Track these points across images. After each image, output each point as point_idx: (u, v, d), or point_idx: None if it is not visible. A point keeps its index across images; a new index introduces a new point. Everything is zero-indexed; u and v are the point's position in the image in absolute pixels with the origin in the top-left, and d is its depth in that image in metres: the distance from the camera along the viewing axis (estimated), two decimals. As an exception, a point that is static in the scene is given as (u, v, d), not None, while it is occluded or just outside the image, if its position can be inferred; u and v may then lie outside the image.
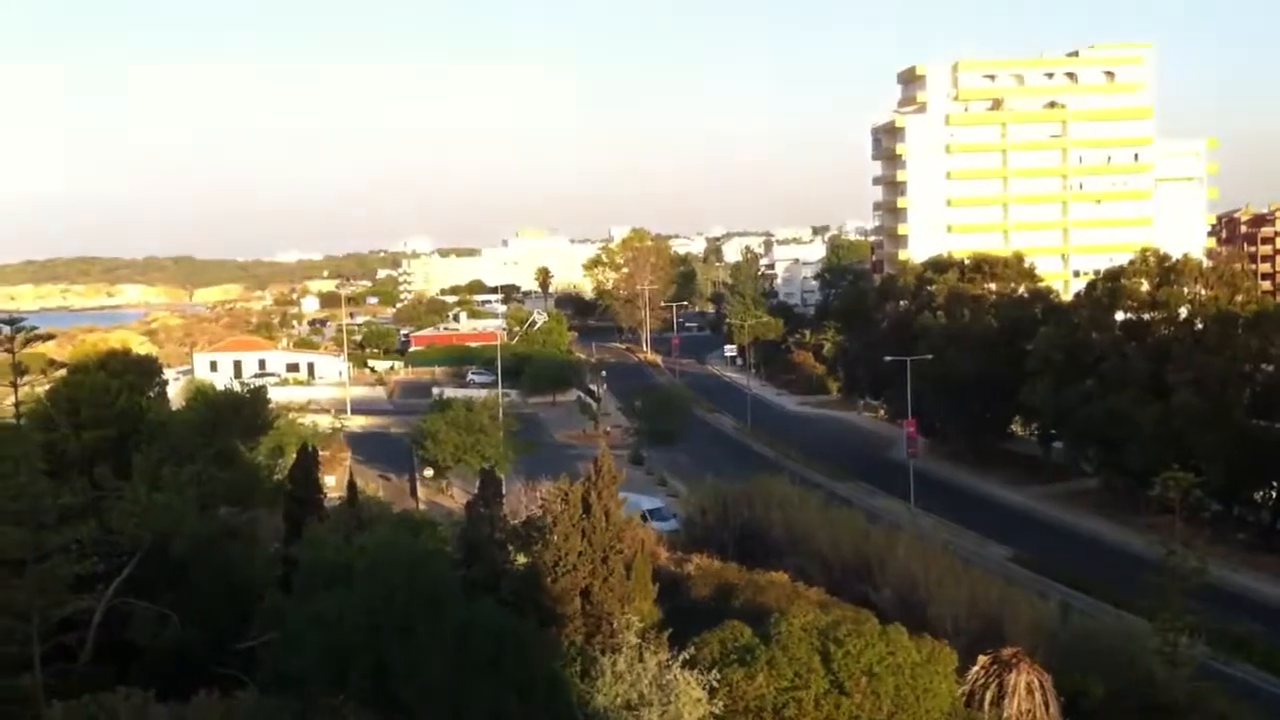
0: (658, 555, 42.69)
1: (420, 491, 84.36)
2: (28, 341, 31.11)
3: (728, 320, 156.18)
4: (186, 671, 27.10)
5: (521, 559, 35.08)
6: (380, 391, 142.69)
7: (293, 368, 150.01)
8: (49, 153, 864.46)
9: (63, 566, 27.24)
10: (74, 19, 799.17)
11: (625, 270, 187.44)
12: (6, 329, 31.75)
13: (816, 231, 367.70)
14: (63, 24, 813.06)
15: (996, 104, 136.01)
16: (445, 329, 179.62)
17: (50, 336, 35.99)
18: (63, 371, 38.32)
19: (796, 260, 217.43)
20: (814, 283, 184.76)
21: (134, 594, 30.07)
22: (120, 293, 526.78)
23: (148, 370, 41.71)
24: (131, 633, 29.71)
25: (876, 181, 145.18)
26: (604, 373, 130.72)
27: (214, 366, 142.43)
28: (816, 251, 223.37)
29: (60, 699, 23.92)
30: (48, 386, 38.64)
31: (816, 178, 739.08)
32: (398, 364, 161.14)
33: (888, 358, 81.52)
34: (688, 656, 25.61)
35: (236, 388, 46.80)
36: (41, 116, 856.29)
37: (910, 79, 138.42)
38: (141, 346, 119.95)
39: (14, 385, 31.01)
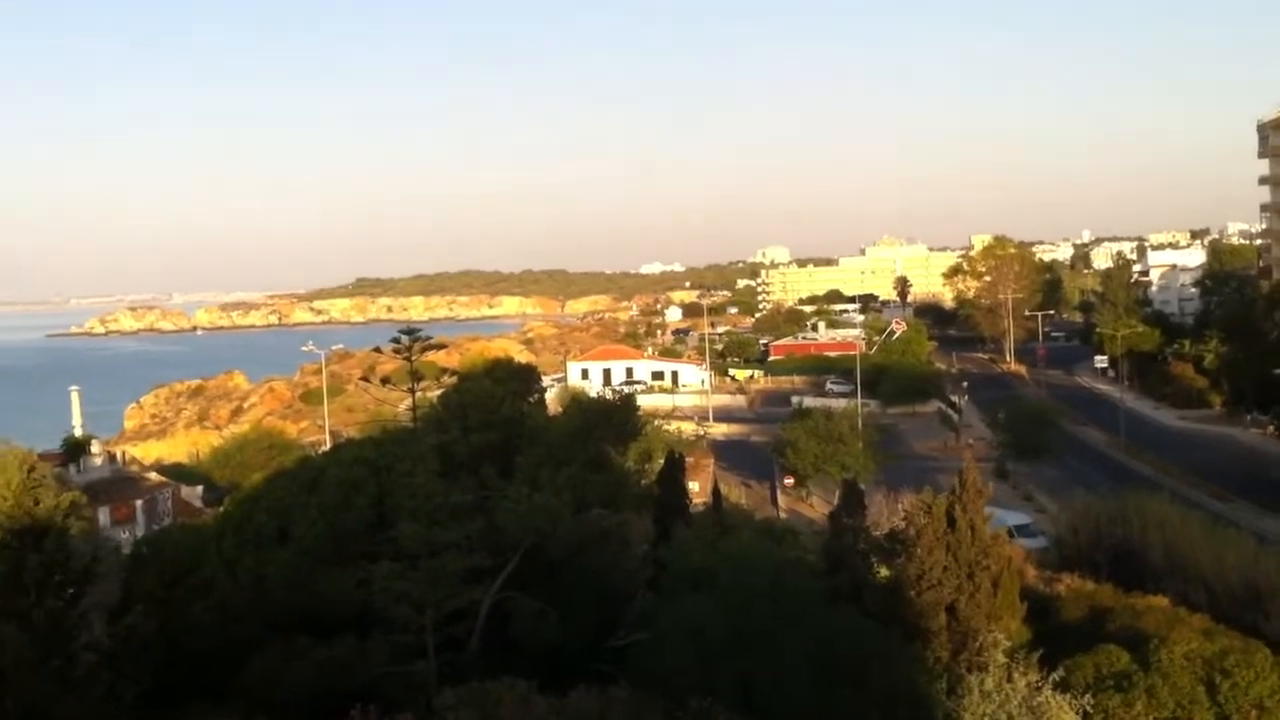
0: (1025, 573, 41.30)
1: (780, 500, 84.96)
2: (424, 350, 33.46)
3: (1097, 330, 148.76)
4: (563, 666, 28.34)
5: (884, 571, 34.76)
6: (740, 400, 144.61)
7: (658, 376, 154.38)
8: (441, 175, 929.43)
9: (453, 561, 28.94)
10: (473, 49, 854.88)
11: (987, 279, 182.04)
12: (405, 338, 34.35)
13: (1195, 235, 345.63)
14: (460, 53, 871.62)
15: None
16: (803, 338, 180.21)
17: (442, 345, 38.57)
18: (453, 378, 40.90)
19: (1173, 266, 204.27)
20: (1193, 290, 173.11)
21: (515, 589, 31.81)
22: (499, 304, 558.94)
23: (528, 378, 43.89)
24: (513, 627, 31.41)
25: (1263, 181, 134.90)
26: (965, 383, 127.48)
27: (585, 374, 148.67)
28: (1195, 257, 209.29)
29: (450, 686, 25.48)
30: (439, 392, 41.43)
31: (1195, 179, 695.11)
32: (757, 373, 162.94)
33: (1278, 370, 75.62)
34: (1058, 679, 24.69)
35: (607, 395, 48.61)
36: (443, 143, 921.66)
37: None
38: (521, 355, 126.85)
39: (411, 391, 33.43)
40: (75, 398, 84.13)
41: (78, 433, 74.92)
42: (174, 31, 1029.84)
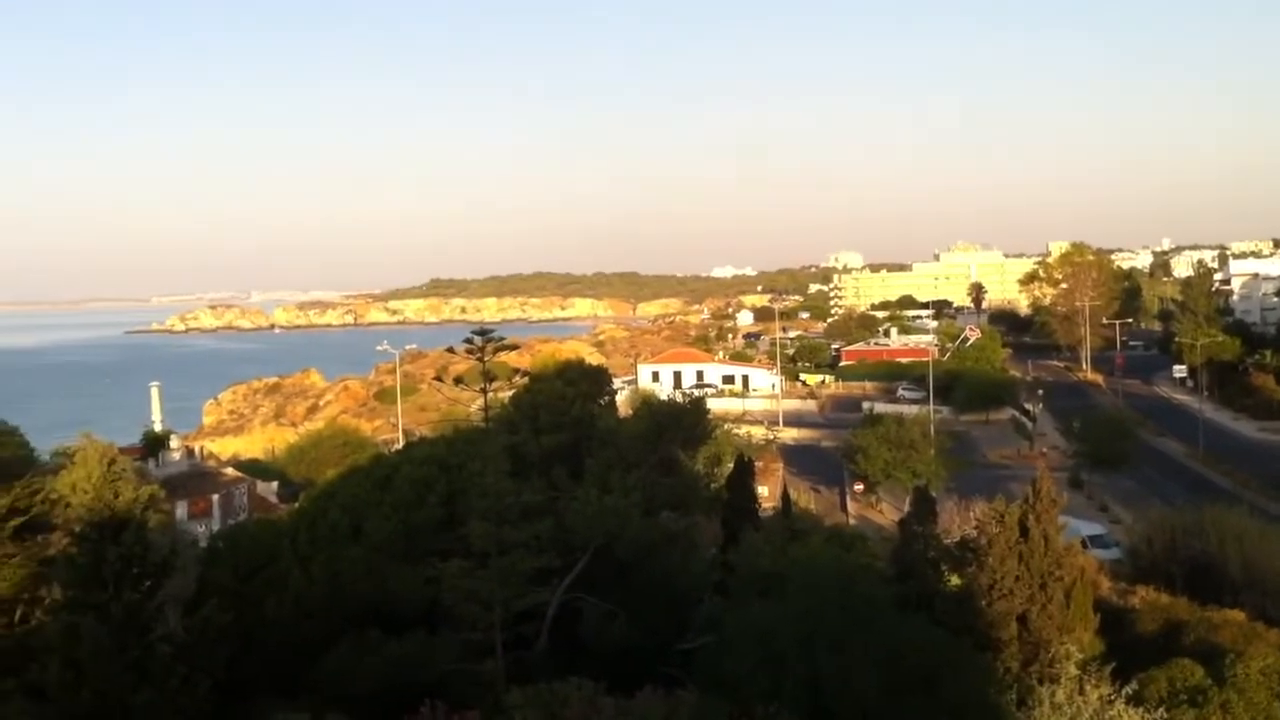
0: (1099, 585, 40.80)
1: (850, 505, 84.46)
2: (497, 351, 33.71)
3: (1177, 339, 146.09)
4: (630, 668, 28.40)
5: (955, 580, 34.48)
6: (811, 405, 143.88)
7: (728, 379, 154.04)
8: (515, 177, 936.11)
9: (522, 561, 29.12)
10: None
11: (1064, 286, 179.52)
12: (478, 339, 34.62)
13: (1278, 244, 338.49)
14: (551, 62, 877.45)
15: None
16: (875, 344, 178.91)
17: (515, 346, 38.80)
18: (524, 379, 41.13)
19: (1255, 275, 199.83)
20: (1275, 299, 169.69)
21: (584, 590, 31.95)
22: (571, 306, 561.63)
23: (599, 380, 44.03)
24: (581, 627, 31.53)
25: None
26: (1040, 391, 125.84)
27: (655, 377, 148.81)
28: (1278, 266, 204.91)
29: (517, 684, 25.63)
30: (511, 392, 41.70)
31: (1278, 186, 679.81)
32: (828, 378, 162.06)
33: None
34: (1131, 693, 24.35)
35: (678, 398, 48.62)
36: (516, 145, 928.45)
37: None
38: (592, 356, 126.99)
39: (483, 391, 33.70)
40: (155, 393, 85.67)
41: (157, 428, 76.28)
42: (271, 30, 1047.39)
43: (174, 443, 71.90)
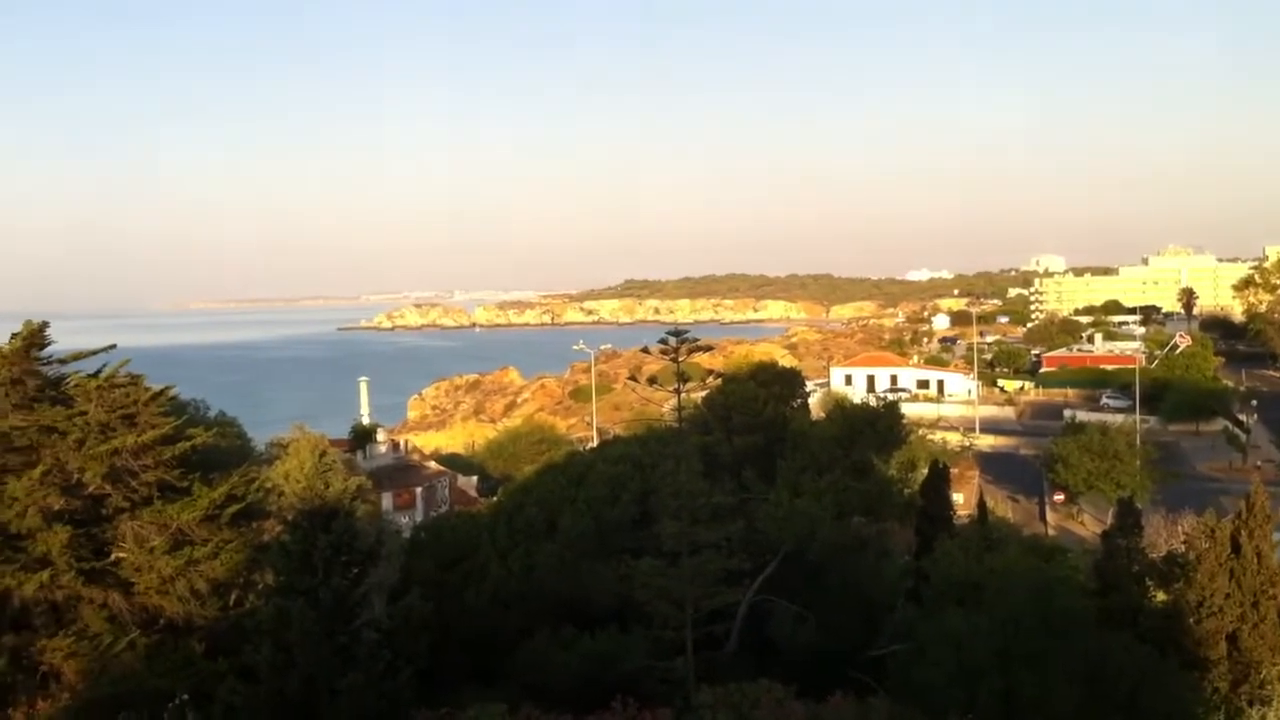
0: (1316, 606, 38.82)
1: (1049, 516, 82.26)
2: (690, 351, 33.90)
3: None
4: (819, 672, 28.30)
5: (1160, 596, 33.30)
6: (1009, 411, 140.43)
7: (923, 384, 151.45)
8: (709, 179, 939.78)
9: (713, 561, 29.30)
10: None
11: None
12: (672, 339, 34.89)
13: None
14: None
15: None
16: (1078, 350, 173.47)
17: (708, 348, 38.98)
18: (717, 381, 41.36)
19: None
20: None
21: (773, 592, 31.96)
22: (764, 308, 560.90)
23: (792, 382, 44.04)
24: (771, 629, 31.56)
25: None
26: (1254, 401, 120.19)
27: (848, 380, 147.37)
28: None
29: (707, 684, 25.82)
30: (704, 394, 41.92)
31: None
32: (1027, 384, 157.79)
33: None
34: (1348, 719, 23.23)
35: (871, 402, 48.16)
36: (712, 148, 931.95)
37: None
38: (784, 359, 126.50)
39: (677, 392, 33.96)
40: (364, 388, 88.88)
41: (365, 421, 79.11)
42: (488, 42, 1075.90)
43: (381, 436, 74.46)
